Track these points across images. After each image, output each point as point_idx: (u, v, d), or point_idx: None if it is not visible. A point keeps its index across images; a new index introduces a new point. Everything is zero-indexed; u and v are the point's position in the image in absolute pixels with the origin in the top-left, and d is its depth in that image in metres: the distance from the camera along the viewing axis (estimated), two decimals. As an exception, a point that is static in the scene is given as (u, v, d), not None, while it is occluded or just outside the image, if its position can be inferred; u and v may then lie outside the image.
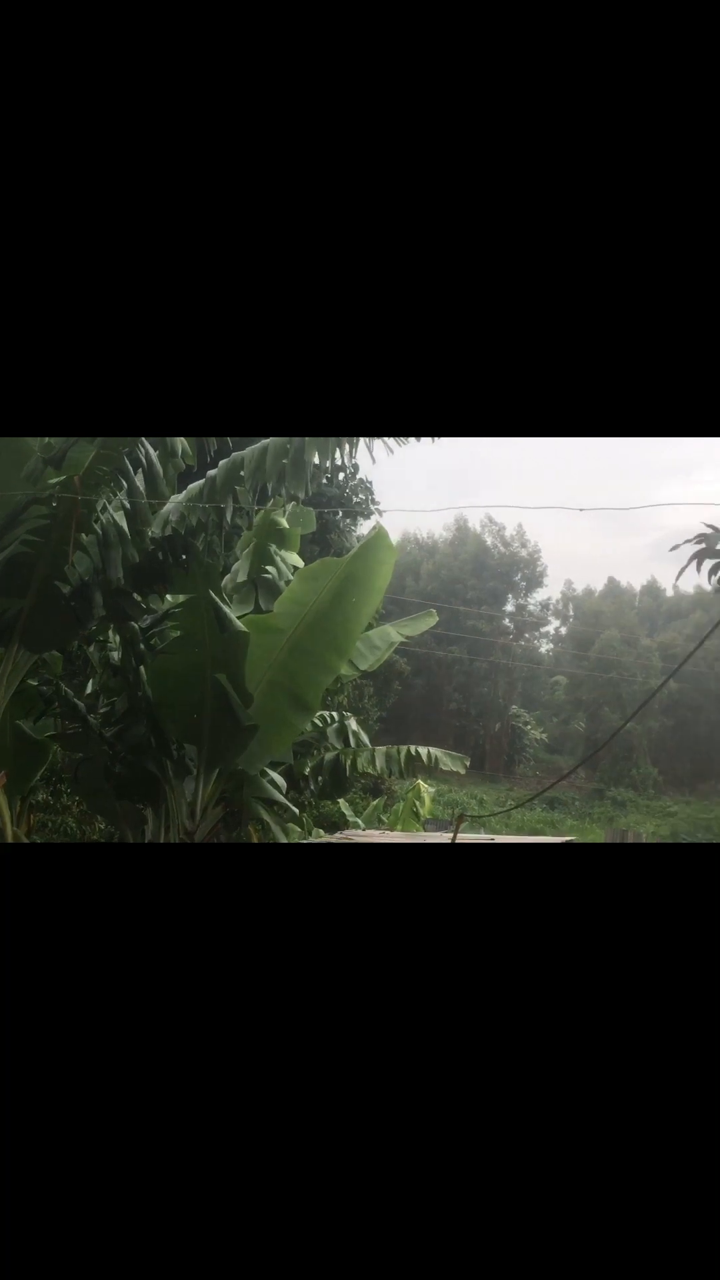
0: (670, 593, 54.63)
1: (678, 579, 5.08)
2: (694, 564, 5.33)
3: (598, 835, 29.48)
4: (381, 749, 9.71)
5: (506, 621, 49.71)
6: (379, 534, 8.06)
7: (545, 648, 54.46)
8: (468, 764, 9.94)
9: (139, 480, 6.41)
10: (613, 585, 54.84)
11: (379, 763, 9.43)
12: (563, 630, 54.56)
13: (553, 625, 54.58)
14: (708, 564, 5.26)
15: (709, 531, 5.25)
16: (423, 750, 9.62)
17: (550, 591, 53.53)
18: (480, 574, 47.88)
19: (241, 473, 6.14)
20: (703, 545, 5.23)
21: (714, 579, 5.28)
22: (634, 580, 60.49)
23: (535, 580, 49.74)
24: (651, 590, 56.53)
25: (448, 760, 9.65)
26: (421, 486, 72.03)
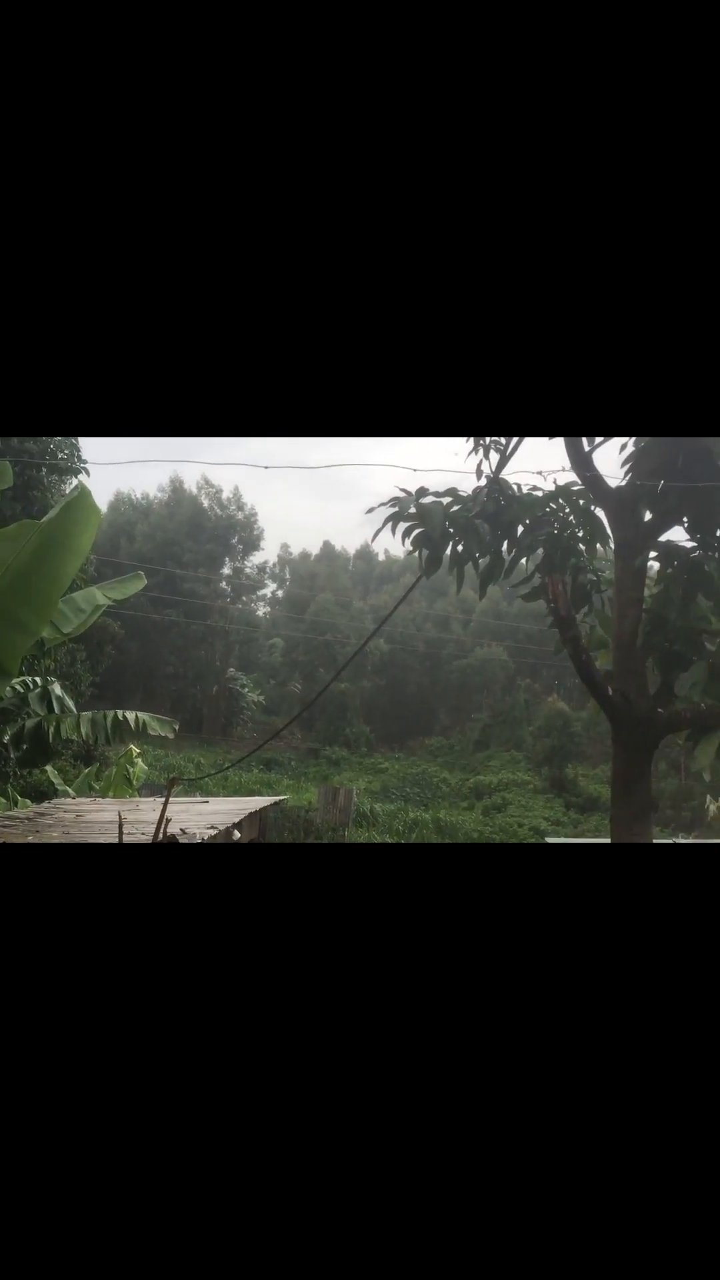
0: (382, 557, 56.66)
1: (373, 540, 5.23)
2: (389, 526, 5.51)
3: (312, 793, 30.27)
4: (87, 715, 9.43)
5: (224, 584, 49.69)
6: (81, 493, 7.74)
7: (262, 611, 55.07)
8: (177, 728, 9.85)
9: None
10: (328, 549, 56.12)
11: (84, 729, 9.16)
12: (279, 593, 55.34)
13: (269, 588, 55.25)
14: (402, 526, 5.46)
15: (401, 495, 5.44)
16: (130, 715, 9.43)
17: (267, 555, 54.12)
18: (197, 536, 47.51)
19: None
20: (396, 509, 5.41)
21: (407, 541, 5.49)
22: (348, 544, 62.21)
23: (252, 543, 49.99)
24: (365, 554, 58.36)
25: (156, 725, 9.51)
26: (135, 444, 70.32)
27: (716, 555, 5.59)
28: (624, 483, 5.61)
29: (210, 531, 48.13)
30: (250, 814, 11.25)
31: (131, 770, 14.83)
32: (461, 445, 5.91)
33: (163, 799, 8.44)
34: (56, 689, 9.32)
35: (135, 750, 14.84)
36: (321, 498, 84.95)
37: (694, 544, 5.70)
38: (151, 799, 14.17)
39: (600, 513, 5.75)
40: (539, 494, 5.73)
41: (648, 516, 5.61)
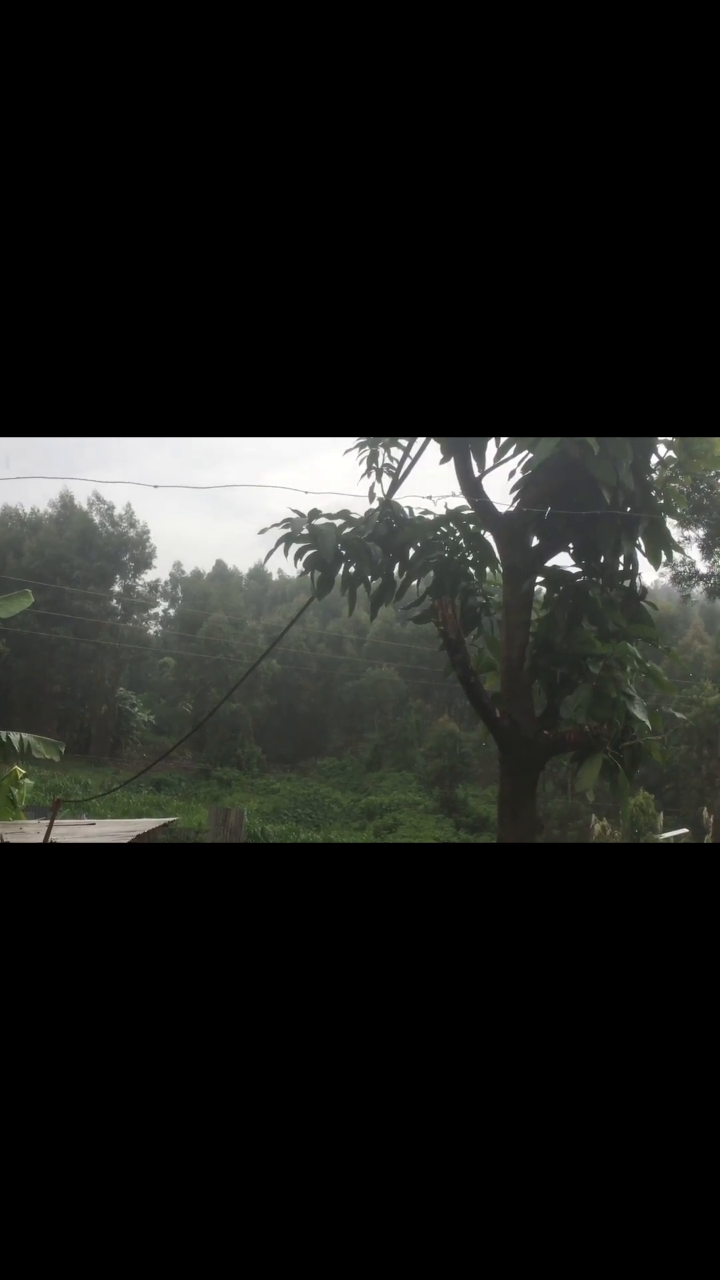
0: (276, 576, 56.60)
1: (266, 560, 5.24)
2: (282, 547, 5.52)
3: (202, 815, 29.93)
4: (-32, 735, 9.15)
5: (114, 602, 48.95)
6: (-35, 506, 7.55)
7: (153, 629, 54.40)
8: (63, 750, 9.63)
9: None
10: (221, 568, 55.88)
11: (-36, 750, 8.87)
12: (171, 612, 54.78)
13: (161, 607, 54.64)
14: (294, 547, 5.47)
15: (294, 516, 5.45)
16: (14, 737, 9.19)
17: (159, 573, 53.53)
18: (87, 553, 46.72)
19: None
20: (289, 530, 5.41)
21: (300, 562, 5.50)
22: (242, 564, 61.96)
23: (144, 561, 49.43)
24: (258, 574, 58.23)
25: (42, 748, 9.29)
26: (24, 459, 68.88)
27: (600, 581, 5.74)
28: (512, 509, 5.71)
29: (101, 548, 47.40)
30: (138, 836, 11.04)
31: (16, 792, 14.43)
32: (355, 467, 5.97)
33: (48, 821, 8.23)
34: (-64, 708, 9.01)
35: (20, 771, 14.45)
36: (215, 517, 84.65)
37: (579, 570, 5.84)
38: (36, 821, 13.78)
39: (489, 537, 5.86)
40: (430, 518, 5.82)
41: (535, 542, 5.72)
